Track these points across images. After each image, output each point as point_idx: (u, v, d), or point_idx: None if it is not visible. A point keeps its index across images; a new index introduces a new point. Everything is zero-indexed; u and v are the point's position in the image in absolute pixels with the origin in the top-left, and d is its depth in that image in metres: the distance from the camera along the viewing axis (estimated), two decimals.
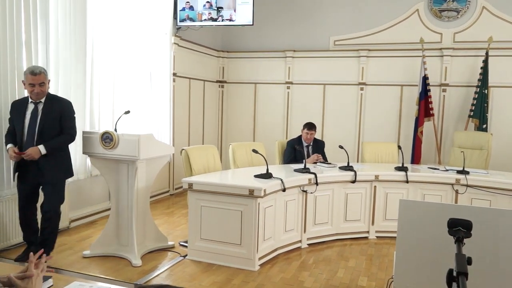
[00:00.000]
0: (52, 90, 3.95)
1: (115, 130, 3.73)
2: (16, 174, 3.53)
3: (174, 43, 6.29)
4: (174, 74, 6.37)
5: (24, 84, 3.43)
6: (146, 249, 3.98)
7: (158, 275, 3.56)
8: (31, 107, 3.45)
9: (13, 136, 3.48)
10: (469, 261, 1.37)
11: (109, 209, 4.19)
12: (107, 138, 3.66)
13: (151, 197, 4.51)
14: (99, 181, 4.98)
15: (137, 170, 3.75)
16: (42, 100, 3.45)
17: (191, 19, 6.33)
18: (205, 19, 6.31)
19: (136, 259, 3.73)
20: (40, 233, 3.61)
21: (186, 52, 6.73)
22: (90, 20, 4.73)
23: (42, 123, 3.42)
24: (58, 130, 3.50)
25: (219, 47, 7.76)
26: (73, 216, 4.74)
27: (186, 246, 4.07)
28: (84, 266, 3.67)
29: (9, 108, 3.63)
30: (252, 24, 6.27)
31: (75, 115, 3.68)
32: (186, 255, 3.95)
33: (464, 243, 1.55)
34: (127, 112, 3.97)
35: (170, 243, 4.20)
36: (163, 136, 6.07)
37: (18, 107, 3.49)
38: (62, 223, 4.19)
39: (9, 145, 3.43)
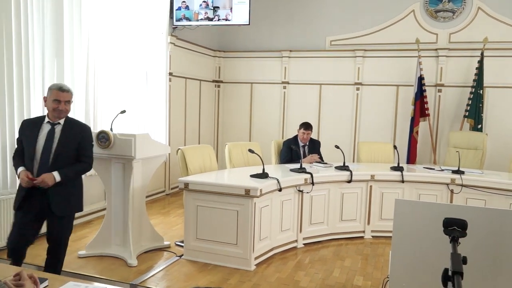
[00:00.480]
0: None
1: (111, 129, 3.73)
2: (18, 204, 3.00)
3: (170, 43, 6.28)
4: (170, 74, 6.36)
5: (45, 101, 3.03)
6: (142, 249, 3.97)
7: (154, 275, 3.55)
8: (46, 127, 2.99)
9: (22, 158, 3.04)
10: (464, 260, 1.38)
11: (104, 209, 4.18)
12: (103, 138, 3.65)
13: (147, 196, 4.51)
14: (95, 180, 4.95)
15: (133, 169, 3.74)
16: (61, 122, 3.03)
17: (187, 19, 6.32)
18: (201, 19, 6.30)
19: (132, 259, 3.72)
20: (47, 259, 3.12)
21: (182, 52, 6.72)
22: (86, 19, 4.71)
23: (61, 146, 2.99)
24: (74, 157, 3.06)
25: (215, 47, 7.75)
26: None
27: (182, 246, 4.07)
28: (79, 266, 3.66)
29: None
30: (249, 24, 6.27)
31: (93, 143, 3.26)
32: (182, 255, 3.95)
33: (460, 243, 1.56)
34: (123, 111, 3.97)
35: (166, 243, 4.19)
36: (159, 135, 6.05)
37: (30, 126, 3.04)
38: None
39: (21, 169, 2.97)
